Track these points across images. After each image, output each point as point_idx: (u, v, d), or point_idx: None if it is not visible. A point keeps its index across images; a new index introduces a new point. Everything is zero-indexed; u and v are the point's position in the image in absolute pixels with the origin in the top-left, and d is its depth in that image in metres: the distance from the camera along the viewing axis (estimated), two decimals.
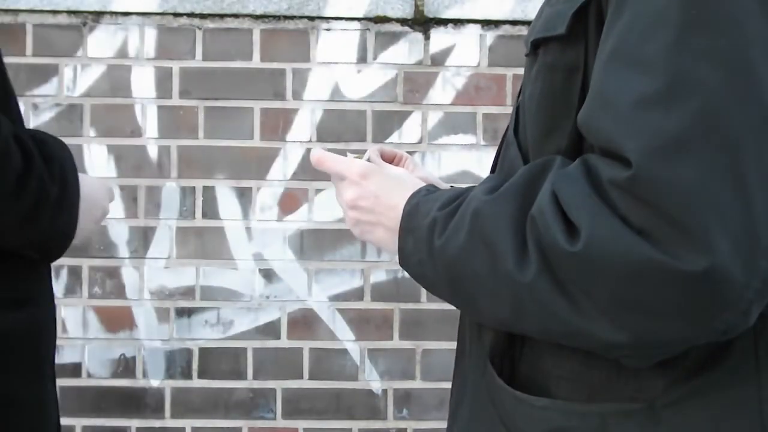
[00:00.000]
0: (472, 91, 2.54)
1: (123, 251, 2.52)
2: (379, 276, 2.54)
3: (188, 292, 2.53)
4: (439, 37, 2.53)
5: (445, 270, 0.84)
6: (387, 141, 2.52)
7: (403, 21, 2.53)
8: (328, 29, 2.53)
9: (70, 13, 2.50)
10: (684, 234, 0.67)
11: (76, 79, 2.51)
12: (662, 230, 0.68)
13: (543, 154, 0.83)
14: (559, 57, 0.82)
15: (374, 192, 0.97)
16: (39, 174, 1.15)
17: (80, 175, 1.28)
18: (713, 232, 0.66)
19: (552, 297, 0.73)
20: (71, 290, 2.51)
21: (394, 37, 2.54)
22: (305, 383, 2.53)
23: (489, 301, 0.80)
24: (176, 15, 2.51)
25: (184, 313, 2.53)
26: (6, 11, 2.48)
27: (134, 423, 2.52)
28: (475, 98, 2.54)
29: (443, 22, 2.53)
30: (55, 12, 2.50)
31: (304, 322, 2.54)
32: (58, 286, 2.49)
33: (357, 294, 2.54)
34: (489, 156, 2.44)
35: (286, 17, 2.52)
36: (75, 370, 2.50)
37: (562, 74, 0.82)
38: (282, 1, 2.51)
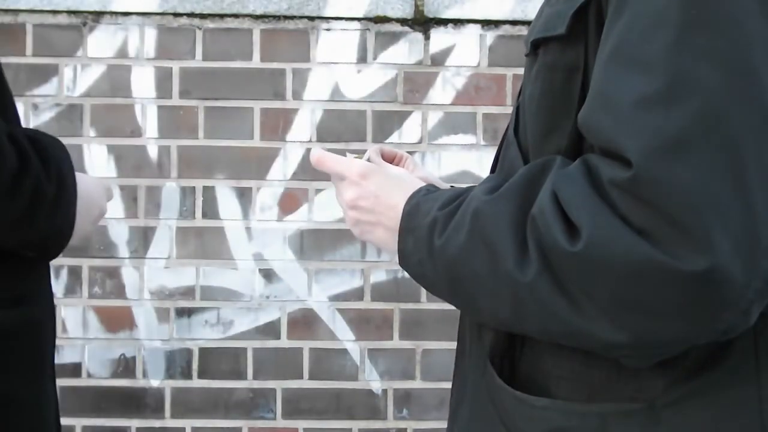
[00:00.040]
0: (472, 91, 2.54)
1: (123, 251, 2.52)
2: (379, 276, 2.54)
3: (188, 292, 2.53)
4: (439, 37, 2.53)
5: (445, 270, 0.84)
6: (387, 141, 2.52)
7: (403, 21, 2.53)
8: (328, 29, 2.53)
9: (70, 13, 2.50)
10: (684, 234, 0.67)
11: (76, 79, 2.51)
12: (663, 230, 0.68)
13: (543, 154, 0.83)
14: (559, 57, 0.82)
15: (374, 192, 0.97)
16: (35, 173, 1.15)
17: (78, 175, 1.28)
18: (714, 232, 0.66)
19: (552, 297, 0.73)
20: (71, 290, 2.51)
21: (394, 37, 2.54)
22: (305, 383, 2.53)
23: (489, 301, 0.80)
24: (176, 15, 2.51)
25: (184, 313, 2.53)
26: (6, 11, 2.48)
27: (134, 423, 2.52)
28: (475, 98, 2.54)
29: (443, 22, 2.53)
30: (55, 12, 2.50)
31: (304, 322, 2.54)
32: (58, 286, 2.49)
33: (357, 294, 2.54)
34: (489, 156, 2.44)
35: (286, 17, 2.52)
36: (75, 370, 2.50)
37: (562, 74, 0.82)
38: (282, 1, 2.51)
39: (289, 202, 2.53)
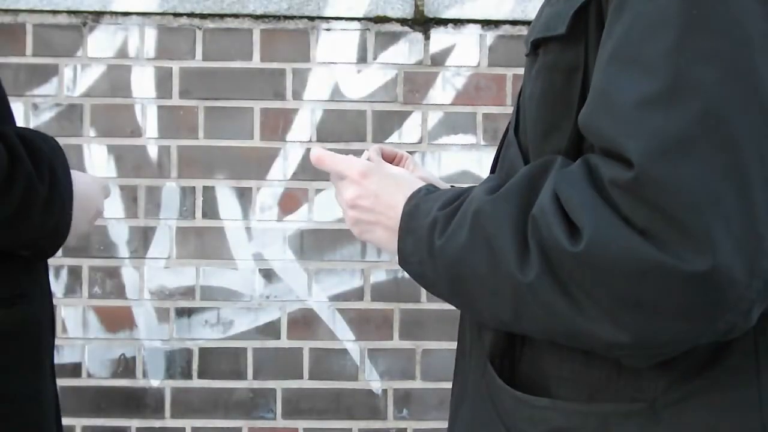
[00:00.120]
0: (472, 91, 2.54)
1: (123, 251, 2.52)
2: (379, 276, 2.54)
3: (188, 292, 2.53)
4: (439, 37, 2.54)
5: (445, 270, 0.84)
6: (387, 141, 2.52)
7: (403, 21, 2.53)
8: (328, 29, 2.53)
9: (70, 13, 2.50)
10: (686, 235, 0.67)
11: (76, 79, 2.51)
12: (664, 231, 0.68)
13: (543, 153, 0.83)
14: (559, 57, 0.82)
15: (374, 191, 0.97)
16: (26, 174, 1.14)
17: (74, 173, 1.28)
18: (716, 233, 0.66)
19: (553, 297, 0.73)
20: (71, 290, 2.51)
21: (394, 37, 2.54)
22: (305, 383, 2.53)
23: (489, 301, 0.80)
24: (176, 15, 2.51)
25: (184, 313, 2.53)
26: (6, 11, 2.48)
27: (134, 423, 2.52)
28: (475, 98, 2.54)
29: (443, 22, 2.53)
30: (55, 12, 2.50)
31: (304, 322, 2.54)
32: (58, 286, 2.49)
33: (357, 294, 2.54)
34: (489, 156, 2.44)
35: (286, 17, 2.52)
36: (75, 370, 2.50)
37: (562, 74, 0.82)
38: (282, 1, 2.51)
39: (289, 202, 2.53)
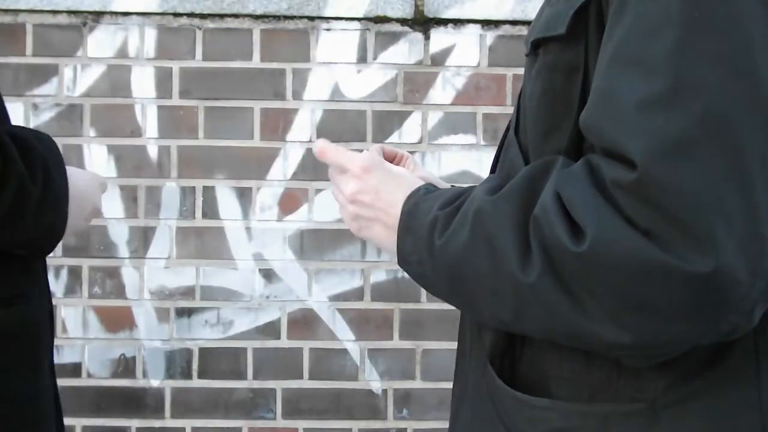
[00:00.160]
0: (472, 91, 2.54)
1: (123, 251, 2.52)
2: (379, 276, 2.54)
3: (188, 292, 2.53)
4: (439, 37, 2.53)
5: (445, 270, 0.84)
6: (387, 141, 2.52)
7: (403, 21, 2.53)
8: (328, 29, 2.53)
9: (70, 13, 2.50)
10: (690, 235, 0.67)
11: (76, 79, 2.51)
12: (668, 232, 0.67)
13: (543, 154, 0.82)
14: (559, 57, 0.82)
15: (375, 187, 0.96)
16: (18, 175, 1.13)
17: (70, 170, 1.27)
18: (719, 234, 0.66)
19: (556, 297, 0.73)
20: (71, 290, 2.51)
21: (394, 37, 2.54)
22: (305, 383, 2.53)
23: (490, 301, 0.80)
24: (176, 15, 2.51)
25: (184, 313, 2.53)
26: (6, 11, 2.48)
27: (134, 423, 2.52)
28: (475, 98, 2.54)
29: (443, 22, 2.53)
30: (55, 12, 2.50)
31: (304, 322, 2.54)
32: (58, 286, 2.49)
33: (357, 294, 2.54)
34: (489, 156, 2.44)
35: (286, 17, 2.52)
36: (75, 370, 2.50)
37: (562, 74, 0.82)
38: (282, 1, 2.51)
39: (289, 202, 2.53)
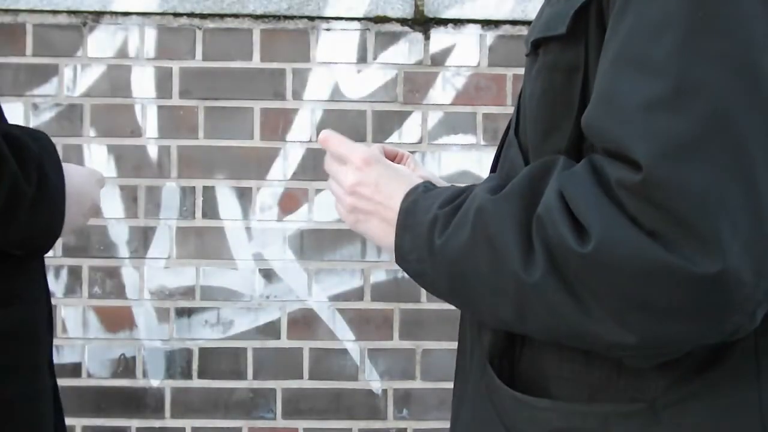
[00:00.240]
0: (472, 91, 2.54)
1: (123, 251, 2.52)
2: (379, 276, 2.54)
3: (188, 292, 2.53)
4: (439, 37, 2.53)
5: (445, 268, 0.84)
6: (387, 141, 2.52)
7: (403, 21, 2.53)
8: (328, 29, 2.53)
9: (70, 13, 2.50)
10: (696, 236, 0.67)
11: (76, 79, 2.51)
12: (674, 233, 0.67)
13: (543, 154, 0.82)
14: (559, 57, 0.82)
15: (375, 180, 0.96)
16: (10, 174, 1.12)
17: (67, 167, 1.26)
18: (725, 235, 0.66)
19: (559, 297, 0.73)
20: (71, 290, 2.51)
21: (394, 37, 2.54)
22: (305, 383, 2.53)
23: (491, 301, 0.80)
24: (176, 15, 2.51)
25: (184, 313, 2.53)
26: (6, 11, 2.48)
27: (134, 423, 2.52)
28: (475, 98, 2.54)
29: (443, 22, 2.53)
30: (55, 12, 2.50)
31: (304, 322, 2.54)
32: (58, 286, 2.49)
33: (357, 294, 2.54)
34: (489, 156, 2.44)
35: (286, 17, 2.52)
36: (75, 370, 2.50)
37: (563, 74, 0.81)
38: (282, 1, 2.51)
39: (289, 202, 2.53)
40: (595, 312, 0.72)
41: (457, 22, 2.53)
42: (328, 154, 1.02)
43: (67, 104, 2.51)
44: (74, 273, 2.51)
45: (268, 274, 2.53)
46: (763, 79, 0.69)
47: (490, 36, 2.54)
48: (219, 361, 2.53)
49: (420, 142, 2.54)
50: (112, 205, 2.50)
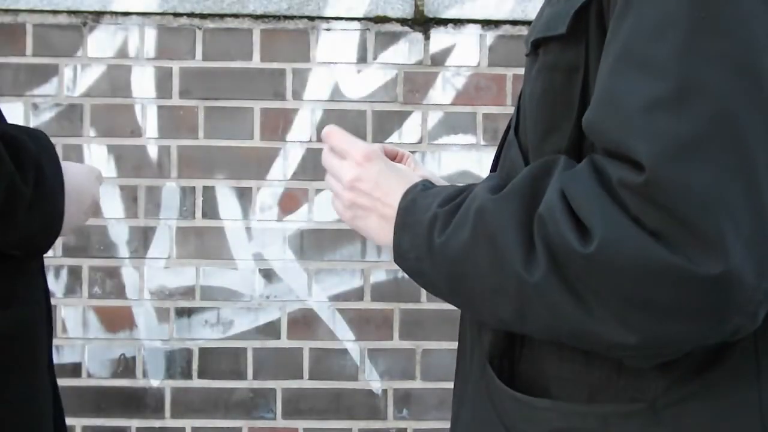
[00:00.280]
0: (472, 91, 2.54)
1: (123, 251, 2.52)
2: (379, 276, 2.54)
3: (188, 292, 2.53)
4: (439, 37, 2.53)
5: (445, 268, 0.84)
6: (387, 141, 2.52)
7: (403, 21, 2.53)
8: (328, 29, 2.53)
9: (70, 13, 2.50)
10: (699, 237, 0.67)
11: (76, 79, 2.51)
12: (677, 233, 0.67)
13: (543, 154, 0.82)
14: (559, 57, 0.81)
15: (375, 176, 0.96)
16: (6, 175, 1.12)
17: (66, 165, 1.25)
18: (728, 236, 0.66)
19: (560, 297, 0.72)
20: (71, 290, 2.51)
21: (394, 37, 2.54)
22: (305, 383, 2.53)
23: (491, 300, 0.80)
24: (176, 15, 2.51)
25: (184, 313, 2.53)
26: (6, 11, 2.48)
27: (134, 423, 2.52)
28: (475, 98, 2.54)
29: (443, 22, 2.53)
30: (55, 12, 2.50)
31: (304, 322, 2.54)
32: (58, 286, 2.49)
33: (357, 294, 2.54)
34: (489, 156, 2.44)
35: (286, 17, 2.52)
36: (75, 370, 2.50)
37: (563, 74, 0.81)
38: (282, 1, 2.51)
39: (289, 202, 2.53)
40: (597, 312, 0.71)
41: (457, 22, 2.53)
42: (326, 148, 1.02)
43: (67, 104, 2.51)
44: (74, 273, 2.51)
45: (268, 274, 2.53)
46: (765, 79, 0.69)
47: (490, 36, 2.54)
48: (219, 361, 2.53)
49: (420, 142, 2.54)
50: (112, 205, 2.50)
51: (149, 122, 2.52)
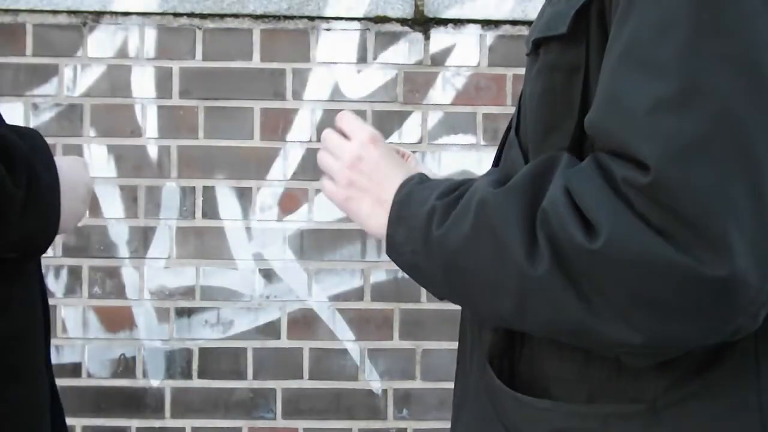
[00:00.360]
0: (472, 91, 2.54)
1: (123, 251, 2.52)
2: (379, 276, 2.54)
3: (188, 292, 2.53)
4: (439, 37, 2.53)
5: (443, 260, 0.83)
6: (387, 141, 2.51)
7: (403, 21, 2.53)
8: (328, 29, 2.53)
9: (70, 13, 2.50)
10: (705, 239, 0.67)
11: (76, 79, 2.51)
12: (683, 234, 0.67)
13: (543, 153, 0.82)
14: (560, 56, 0.81)
15: (377, 159, 0.96)
16: None
17: (57, 161, 1.23)
18: (733, 237, 0.66)
19: (563, 292, 0.72)
20: (71, 290, 2.51)
21: (394, 37, 2.54)
22: (305, 383, 2.53)
23: (491, 294, 0.79)
24: (176, 15, 2.51)
25: (184, 313, 2.53)
26: (6, 11, 2.48)
27: (134, 423, 2.52)
28: (475, 98, 2.54)
29: (443, 22, 2.53)
30: (55, 12, 2.50)
31: (304, 322, 2.53)
32: (58, 286, 2.49)
33: (357, 294, 2.54)
34: (489, 156, 2.44)
35: (286, 17, 2.52)
36: (75, 370, 2.50)
37: (563, 74, 0.81)
38: (282, 1, 2.51)
39: (289, 202, 2.53)
40: (601, 309, 0.71)
41: (457, 22, 2.53)
42: (327, 131, 1.02)
43: (67, 104, 2.51)
44: (74, 273, 2.51)
45: (268, 274, 2.53)
46: None
47: (490, 36, 2.54)
48: (219, 361, 2.53)
49: (420, 142, 2.54)
50: (112, 205, 2.50)
51: (149, 122, 2.51)
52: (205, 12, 2.50)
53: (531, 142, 0.85)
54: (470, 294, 0.83)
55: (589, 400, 0.80)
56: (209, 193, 2.52)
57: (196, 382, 2.53)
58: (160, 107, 2.52)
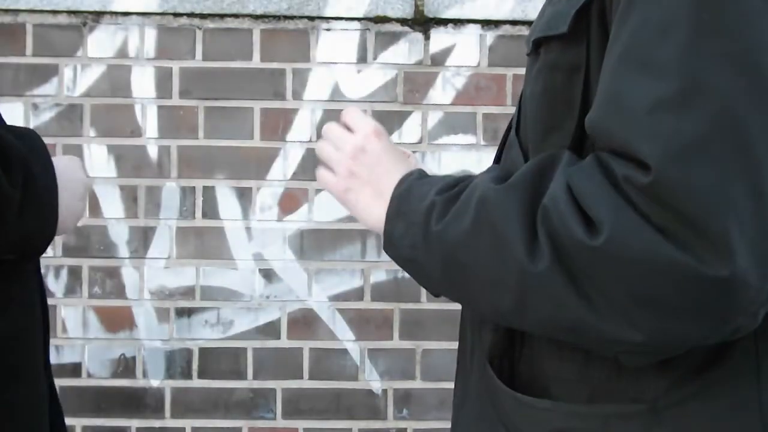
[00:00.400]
0: (472, 91, 2.54)
1: (123, 251, 2.52)
2: (379, 276, 2.54)
3: (188, 292, 2.52)
4: (439, 37, 2.53)
5: (442, 256, 0.83)
6: None
7: (403, 21, 2.53)
8: (328, 29, 2.53)
9: (70, 13, 2.50)
10: (706, 238, 0.67)
11: (76, 79, 2.51)
12: (684, 233, 0.67)
13: (543, 153, 0.82)
14: (560, 56, 0.81)
15: (379, 152, 0.97)
16: None
17: (55, 161, 1.23)
18: (733, 237, 0.66)
19: (563, 289, 0.72)
20: (71, 290, 2.51)
21: (394, 37, 2.54)
22: (305, 383, 2.53)
23: (490, 290, 0.79)
24: (176, 15, 2.51)
25: (184, 313, 2.53)
26: (6, 11, 2.48)
27: (134, 423, 2.52)
28: (475, 98, 2.54)
29: (443, 22, 2.53)
30: (55, 12, 2.50)
31: (304, 322, 2.53)
32: (58, 286, 2.49)
33: (357, 294, 2.54)
34: (489, 156, 2.44)
35: (286, 17, 2.52)
36: (75, 370, 2.50)
37: (564, 73, 0.81)
38: (282, 1, 2.51)
39: (289, 202, 2.53)
40: (601, 307, 0.71)
41: (457, 22, 2.53)
42: (329, 123, 1.03)
43: (67, 104, 2.51)
44: (74, 273, 2.51)
45: (268, 274, 2.53)
46: None
47: (490, 36, 2.54)
48: (219, 361, 2.53)
49: (420, 142, 2.54)
50: (112, 205, 2.50)
51: (149, 122, 2.51)
52: (205, 12, 2.50)
53: (531, 141, 0.85)
54: (469, 290, 0.83)
55: (590, 401, 0.80)
56: (209, 193, 2.52)
57: (196, 382, 2.53)
58: (160, 107, 2.52)
